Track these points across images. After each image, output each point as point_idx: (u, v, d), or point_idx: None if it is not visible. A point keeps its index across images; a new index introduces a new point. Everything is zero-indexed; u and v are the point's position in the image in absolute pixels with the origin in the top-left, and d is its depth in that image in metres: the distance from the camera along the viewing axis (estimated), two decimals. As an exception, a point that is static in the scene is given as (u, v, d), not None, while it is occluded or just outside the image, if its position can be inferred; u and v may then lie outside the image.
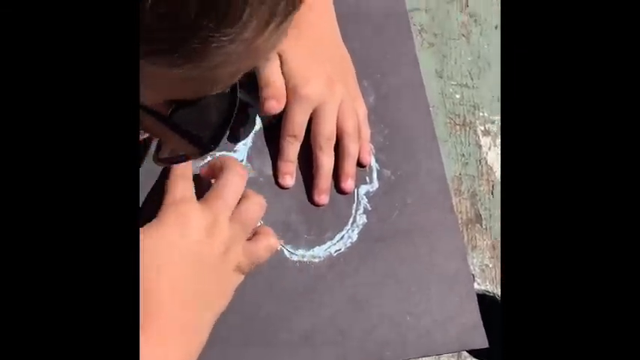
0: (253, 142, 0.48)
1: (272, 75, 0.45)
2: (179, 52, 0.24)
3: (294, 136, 0.46)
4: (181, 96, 0.30)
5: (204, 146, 0.32)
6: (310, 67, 0.46)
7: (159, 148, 0.36)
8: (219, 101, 0.34)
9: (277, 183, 0.46)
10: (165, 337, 0.37)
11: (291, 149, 0.46)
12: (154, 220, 0.39)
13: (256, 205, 0.41)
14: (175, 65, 0.25)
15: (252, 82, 0.46)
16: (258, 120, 0.48)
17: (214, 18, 0.23)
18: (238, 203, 0.41)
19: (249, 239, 0.41)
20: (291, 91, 0.45)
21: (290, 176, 0.46)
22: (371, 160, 0.49)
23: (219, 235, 0.39)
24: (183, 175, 0.41)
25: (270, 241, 0.41)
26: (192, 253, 0.39)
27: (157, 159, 0.36)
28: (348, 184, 0.47)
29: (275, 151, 0.47)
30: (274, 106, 0.44)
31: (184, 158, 0.34)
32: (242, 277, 0.41)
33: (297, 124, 0.45)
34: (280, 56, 0.45)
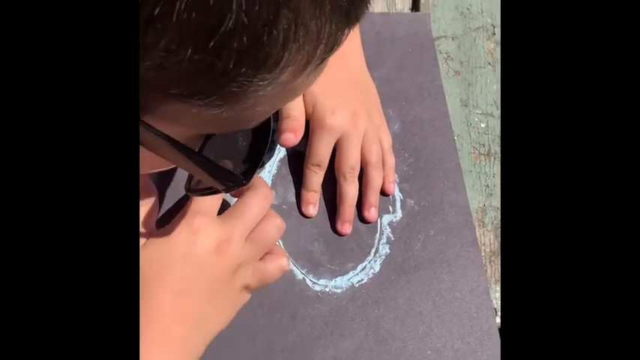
0: (277, 169, 0.48)
1: (294, 110, 0.45)
2: (217, 95, 0.24)
3: (318, 166, 0.46)
4: (214, 131, 0.30)
5: (237, 182, 0.32)
6: (336, 96, 0.46)
7: (190, 177, 0.36)
8: (252, 134, 0.34)
9: (300, 212, 0.46)
10: (161, 346, 0.37)
11: (315, 179, 0.46)
12: (165, 228, 0.39)
13: (274, 226, 0.41)
14: (212, 107, 0.25)
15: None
16: (281, 147, 0.48)
17: (253, 65, 0.23)
18: (258, 223, 0.41)
19: (260, 259, 0.41)
20: (316, 121, 0.45)
21: (313, 206, 0.46)
22: (395, 190, 0.49)
23: (230, 254, 0.39)
24: None
25: (282, 262, 0.41)
26: (198, 267, 0.39)
27: (189, 189, 0.36)
28: (371, 213, 0.47)
29: (299, 179, 0.47)
30: (291, 139, 0.44)
31: (215, 191, 0.34)
32: (248, 296, 0.41)
33: (322, 154, 0.45)
34: None
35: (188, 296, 0.38)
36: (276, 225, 0.41)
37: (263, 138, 0.34)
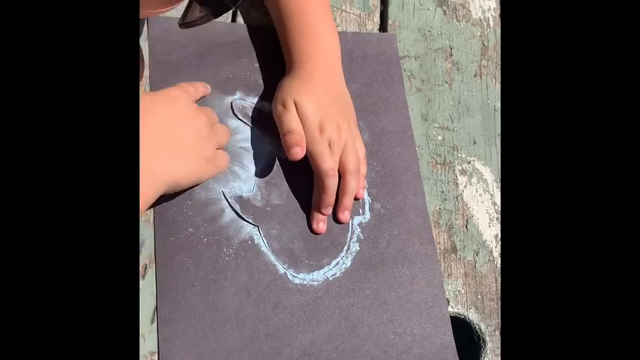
0: (262, 174, 0.53)
1: (292, 123, 0.50)
2: None
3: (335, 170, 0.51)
4: None
5: (225, 6, 0.39)
6: (322, 111, 0.51)
7: (185, 14, 0.41)
8: None
9: (310, 224, 0.52)
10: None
11: (332, 182, 0.51)
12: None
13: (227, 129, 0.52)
14: None
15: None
16: (266, 153, 0.54)
17: None
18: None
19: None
20: (308, 135, 0.51)
21: (331, 207, 0.52)
22: (364, 194, 0.55)
23: (205, 122, 0.47)
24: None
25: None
26: (177, 116, 0.46)
27: (182, 23, 0.41)
28: (345, 215, 0.53)
29: (282, 183, 0.53)
30: (299, 152, 0.49)
31: (206, 19, 0.40)
32: (208, 170, 0.48)
33: (332, 160, 0.51)
34: (297, 104, 0.51)
35: (166, 136, 0.44)
36: (227, 129, 0.51)
37: None
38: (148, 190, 0.43)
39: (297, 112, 0.51)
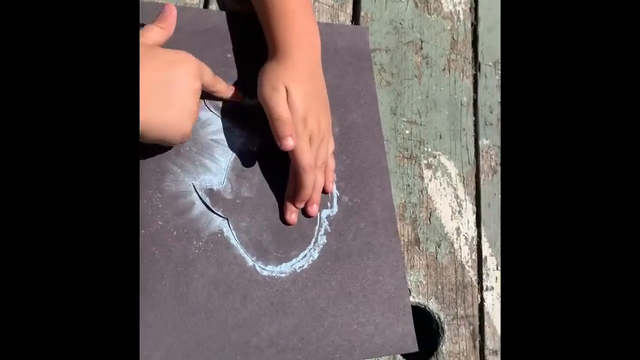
0: (232, 166, 0.53)
1: (283, 110, 0.50)
2: None
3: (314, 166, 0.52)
4: None
5: None
6: (307, 104, 0.51)
7: None
8: None
9: (304, 211, 0.54)
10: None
11: (312, 178, 0.52)
12: None
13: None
14: None
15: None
16: (237, 145, 0.54)
17: None
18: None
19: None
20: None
21: (305, 201, 0.53)
22: (333, 188, 0.56)
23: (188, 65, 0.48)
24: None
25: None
26: (171, 64, 0.46)
27: None
28: (314, 209, 0.54)
29: (253, 175, 0.53)
30: (291, 143, 0.49)
31: None
32: (195, 110, 0.48)
33: (312, 156, 0.51)
34: (287, 91, 0.50)
35: (155, 75, 0.45)
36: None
37: None
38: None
39: (287, 100, 0.50)
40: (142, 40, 0.48)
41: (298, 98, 0.50)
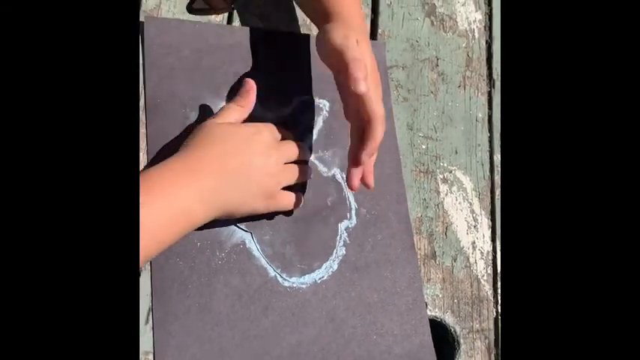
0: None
1: (359, 53, 0.47)
2: None
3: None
4: None
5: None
6: (372, 62, 0.50)
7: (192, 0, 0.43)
8: None
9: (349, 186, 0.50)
10: (190, 187, 0.45)
11: (382, 129, 0.49)
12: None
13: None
14: None
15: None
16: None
17: None
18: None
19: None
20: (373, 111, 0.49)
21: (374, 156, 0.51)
22: (352, 200, 0.57)
23: (274, 155, 0.50)
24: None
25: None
26: (246, 145, 0.49)
27: (191, 9, 0.43)
28: (370, 180, 0.51)
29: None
30: (365, 87, 0.46)
31: (213, 11, 0.42)
32: (267, 207, 0.50)
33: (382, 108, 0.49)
34: (358, 42, 0.49)
35: (230, 161, 0.48)
36: (297, 170, 0.53)
37: None
38: (200, 213, 0.46)
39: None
40: (222, 119, 0.51)
41: (368, 51, 0.50)
